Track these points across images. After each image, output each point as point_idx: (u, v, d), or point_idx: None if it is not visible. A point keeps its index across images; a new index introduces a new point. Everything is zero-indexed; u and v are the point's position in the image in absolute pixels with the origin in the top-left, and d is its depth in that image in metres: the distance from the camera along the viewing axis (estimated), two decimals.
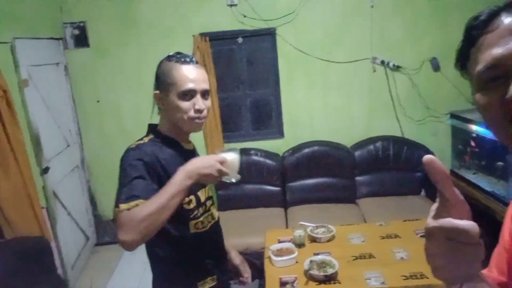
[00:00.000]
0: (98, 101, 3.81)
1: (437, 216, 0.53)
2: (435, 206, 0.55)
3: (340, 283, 1.93)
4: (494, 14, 0.59)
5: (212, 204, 1.46)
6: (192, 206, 1.32)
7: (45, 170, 3.03)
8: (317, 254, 2.15)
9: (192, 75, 1.28)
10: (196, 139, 1.39)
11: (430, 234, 0.53)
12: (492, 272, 0.76)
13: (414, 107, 3.75)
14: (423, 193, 3.57)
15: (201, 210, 1.36)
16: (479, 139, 3.21)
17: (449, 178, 0.52)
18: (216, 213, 1.48)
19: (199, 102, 1.29)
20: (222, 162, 1.21)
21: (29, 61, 2.97)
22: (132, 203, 1.10)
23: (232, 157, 1.28)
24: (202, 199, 1.38)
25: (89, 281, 3.28)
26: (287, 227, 3.17)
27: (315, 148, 3.69)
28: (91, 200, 3.92)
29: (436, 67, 3.63)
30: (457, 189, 0.53)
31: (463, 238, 0.50)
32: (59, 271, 2.99)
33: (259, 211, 3.52)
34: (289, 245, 2.25)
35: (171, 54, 1.34)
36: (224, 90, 3.85)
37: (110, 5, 3.63)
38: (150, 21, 3.66)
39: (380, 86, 3.74)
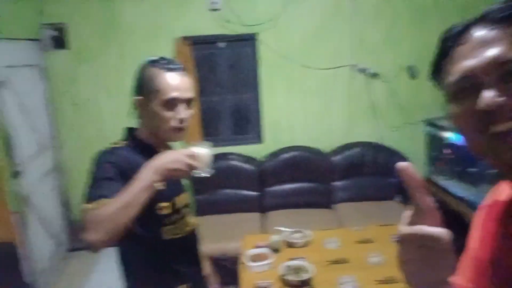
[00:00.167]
0: (76, 104, 3.74)
1: (410, 222, 0.55)
2: (408, 212, 0.56)
3: None
4: (467, 27, 0.61)
5: (189, 212, 1.43)
6: (166, 212, 1.29)
7: (16, 174, 2.95)
8: (293, 259, 2.16)
9: (176, 83, 1.24)
10: (175, 143, 1.37)
11: (402, 240, 0.54)
12: (460, 279, 0.76)
13: (392, 113, 3.82)
14: (398, 198, 3.64)
15: (176, 216, 1.33)
16: (452, 146, 3.29)
17: (422, 185, 0.54)
18: (193, 221, 1.45)
19: (182, 112, 1.25)
20: (192, 156, 1.18)
21: (4, 62, 2.90)
22: (98, 202, 1.08)
23: (202, 151, 1.25)
24: (178, 206, 1.35)
25: (60, 287, 3.20)
26: (264, 232, 3.17)
27: (294, 153, 3.72)
28: (66, 205, 3.83)
29: (413, 74, 3.71)
30: (429, 196, 0.54)
31: (435, 244, 0.51)
32: (29, 277, 2.90)
33: (236, 216, 3.51)
34: (265, 250, 2.25)
35: (154, 58, 1.29)
36: (204, 94, 3.84)
37: (90, 7, 3.58)
38: (131, 24, 3.63)
39: (358, 93, 3.81)
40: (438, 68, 0.66)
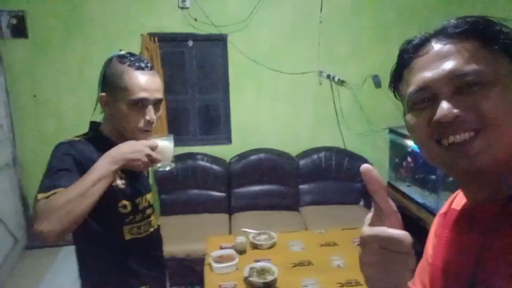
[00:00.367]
0: (34, 96, 3.58)
1: (371, 224, 0.55)
2: (369, 215, 0.56)
3: None
4: (426, 40, 0.63)
5: (153, 212, 1.40)
6: (126, 211, 1.26)
7: None
8: (258, 261, 2.16)
9: (145, 83, 1.18)
10: None
11: (364, 242, 0.54)
12: (416, 285, 0.78)
13: (356, 120, 3.92)
14: (362, 203, 3.73)
15: (138, 216, 1.30)
16: (414, 153, 3.42)
17: (384, 188, 0.54)
18: (156, 222, 1.42)
19: (150, 113, 1.21)
20: (153, 148, 1.14)
21: None
22: (50, 192, 1.03)
23: (164, 143, 1.21)
24: (140, 206, 1.31)
25: (17, 286, 3.05)
26: (230, 233, 3.16)
27: (262, 155, 3.73)
28: (22, 201, 3.65)
29: (377, 83, 3.83)
30: (391, 199, 0.55)
31: (396, 247, 0.51)
32: None
33: (203, 216, 3.48)
34: (231, 251, 2.24)
35: (123, 53, 1.23)
36: (172, 93, 3.78)
37: None
38: (96, 17, 3.52)
39: (325, 99, 3.88)
40: (398, 78, 0.68)
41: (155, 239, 1.41)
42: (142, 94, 1.18)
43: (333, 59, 3.80)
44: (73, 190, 1.02)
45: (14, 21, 3.43)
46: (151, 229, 1.37)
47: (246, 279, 1.99)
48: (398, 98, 0.70)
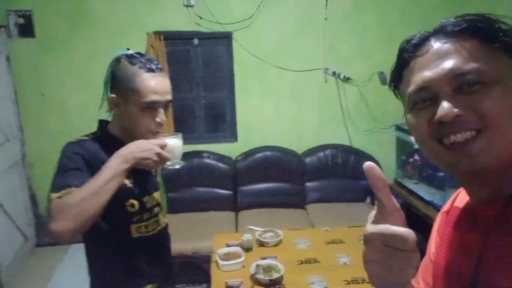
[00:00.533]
0: (42, 95, 3.61)
1: (375, 223, 0.55)
2: (373, 213, 0.56)
3: (285, 287, 1.95)
4: (425, 39, 0.63)
5: (161, 210, 1.40)
6: (134, 209, 1.27)
7: None
8: (264, 258, 2.17)
9: (157, 86, 1.18)
10: None
11: (368, 240, 0.54)
12: (419, 283, 0.78)
13: (362, 118, 3.90)
14: (368, 200, 3.72)
15: (146, 215, 1.31)
16: (420, 151, 3.40)
17: (387, 186, 0.54)
18: (164, 220, 1.42)
19: (161, 115, 1.21)
20: (162, 146, 1.15)
21: None
22: (64, 191, 1.05)
23: (173, 141, 1.22)
24: (148, 205, 1.32)
25: (26, 283, 3.09)
26: (237, 231, 3.17)
27: (267, 153, 3.73)
28: (31, 199, 3.70)
29: (383, 81, 3.81)
30: (394, 197, 0.55)
31: (400, 244, 0.51)
32: None
33: (209, 214, 3.49)
34: (237, 249, 2.25)
35: (131, 53, 1.22)
36: (177, 91, 3.79)
37: None
38: (102, 16, 3.53)
39: (330, 96, 3.86)
40: (398, 78, 0.68)
41: (162, 237, 1.42)
42: (154, 97, 1.18)
43: (338, 56, 3.78)
44: (87, 189, 1.03)
45: (21, 20, 3.46)
46: (159, 228, 1.38)
47: (252, 277, 2.00)
48: (399, 97, 0.70)
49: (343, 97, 3.87)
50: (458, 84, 0.58)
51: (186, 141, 1.27)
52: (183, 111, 3.89)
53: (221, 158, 3.71)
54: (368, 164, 0.54)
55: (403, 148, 3.76)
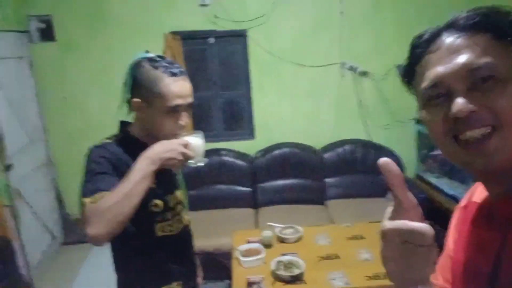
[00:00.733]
0: (64, 97, 3.70)
1: (392, 219, 0.55)
2: (389, 209, 0.56)
3: (306, 283, 1.96)
4: (436, 34, 0.62)
5: (183, 209, 1.42)
6: (158, 209, 1.29)
7: (8, 167, 2.91)
8: (285, 254, 2.18)
9: (181, 90, 1.20)
10: None
11: (385, 236, 0.54)
12: (438, 279, 0.77)
13: (381, 112, 3.85)
14: (389, 196, 3.68)
15: (169, 214, 1.33)
16: None
17: (403, 181, 0.54)
18: (186, 218, 1.44)
19: (184, 118, 1.24)
20: (185, 145, 1.17)
21: None
22: (96, 196, 1.07)
23: (196, 140, 1.24)
24: (171, 204, 1.34)
25: (54, 280, 3.18)
26: (257, 228, 3.19)
27: (285, 149, 3.73)
28: (58, 199, 3.81)
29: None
30: (415, 192, 0.55)
31: (418, 240, 0.51)
32: (23, 270, 2.89)
33: (229, 211, 3.52)
34: (257, 245, 2.27)
35: (152, 56, 1.23)
36: (195, 90, 3.79)
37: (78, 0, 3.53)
38: (119, 17, 3.60)
39: (348, 91, 3.83)
40: (410, 74, 0.66)
41: (186, 235, 1.43)
42: (177, 101, 1.19)
43: (355, 51, 3.74)
44: (118, 193, 1.06)
45: (42, 25, 3.55)
46: (182, 226, 1.39)
47: (273, 273, 2.01)
48: (412, 93, 0.69)
49: (361, 91, 3.82)
50: (471, 80, 0.57)
51: (205, 139, 1.29)
52: (200, 110, 3.93)
53: (239, 155, 3.73)
54: (383, 160, 0.54)
55: (424, 141, 3.70)
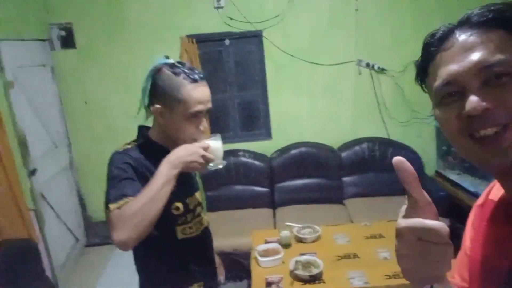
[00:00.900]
0: (85, 102, 3.80)
1: (406, 217, 0.55)
2: (404, 207, 0.56)
3: (324, 282, 1.96)
4: (449, 32, 0.62)
5: (202, 210, 1.44)
6: (179, 212, 1.30)
7: (32, 172, 3.01)
8: (303, 254, 2.18)
9: (202, 96, 1.22)
10: None
11: (400, 234, 0.54)
12: (455, 278, 0.77)
13: (399, 109, 3.81)
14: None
15: (189, 216, 1.35)
16: None
17: (417, 179, 0.54)
18: (206, 219, 1.46)
19: (204, 123, 1.26)
20: (205, 149, 1.20)
21: (14, 63, 2.95)
22: (121, 202, 1.09)
23: (215, 142, 1.26)
24: (191, 206, 1.36)
25: (78, 282, 3.27)
26: (275, 228, 3.20)
27: (302, 149, 3.73)
28: (80, 202, 3.91)
29: None
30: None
31: (433, 237, 0.51)
32: (48, 272, 2.98)
33: (247, 212, 3.54)
34: (275, 245, 2.28)
35: (173, 63, 1.24)
36: (212, 92, 3.84)
37: (96, 6, 3.62)
38: (137, 23, 3.67)
39: (365, 88, 3.80)
40: (424, 72, 0.66)
41: (206, 236, 1.45)
42: (199, 107, 1.21)
43: (372, 48, 3.71)
44: (143, 198, 1.08)
45: (63, 33, 3.66)
46: (202, 227, 1.41)
47: (292, 272, 2.02)
48: (426, 91, 0.69)
49: (378, 88, 3.79)
50: (485, 77, 0.57)
51: (222, 140, 1.31)
52: (217, 111, 3.96)
53: (256, 156, 3.74)
54: (397, 158, 0.54)
55: (443, 138, 3.62)
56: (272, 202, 3.67)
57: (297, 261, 2.07)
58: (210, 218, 1.54)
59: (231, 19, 3.63)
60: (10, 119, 2.82)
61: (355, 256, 2.18)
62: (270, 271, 2.10)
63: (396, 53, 3.70)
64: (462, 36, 0.60)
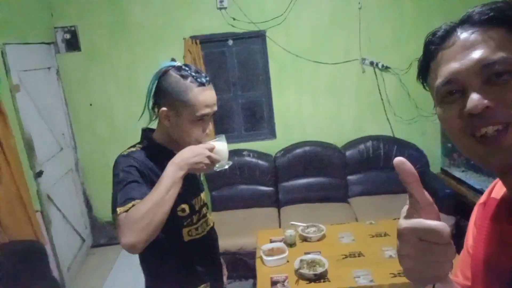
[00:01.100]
0: (90, 105, 3.83)
1: (408, 217, 0.55)
2: (405, 208, 0.56)
3: (329, 281, 1.96)
4: (451, 30, 0.62)
5: (207, 210, 1.44)
6: (185, 214, 1.30)
7: (39, 174, 3.04)
8: (308, 253, 2.19)
9: (208, 100, 1.22)
10: None
11: (402, 234, 0.54)
12: (457, 276, 0.77)
13: (404, 106, 3.79)
14: None
15: (195, 217, 1.35)
16: None
17: (418, 180, 0.54)
18: (211, 219, 1.46)
19: (209, 126, 1.26)
20: (210, 150, 1.20)
21: (20, 66, 2.98)
22: (129, 205, 1.09)
23: (220, 143, 1.26)
24: (197, 207, 1.36)
25: (85, 283, 3.30)
26: (280, 227, 3.20)
27: (307, 148, 3.73)
28: (86, 203, 3.94)
29: None
30: (425, 191, 0.55)
31: (434, 238, 0.51)
32: (55, 273, 3.01)
33: (252, 211, 3.55)
34: (280, 244, 2.29)
35: (180, 66, 1.24)
36: (216, 92, 3.85)
37: (100, 9, 3.64)
38: (140, 25, 3.69)
39: (369, 87, 3.79)
40: (425, 70, 0.66)
41: (212, 237, 1.45)
42: (206, 110, 1.22)
43: (375, 46, 3.70)
44: (150, 201, 1.08)
45: (67, 36, 3.69)
46: (208, 228, 1.41)
47: (297, 271, 2.03)
48: (427, 90, 0.69)
49: (382, 86, 3.78)
50: (486, 75, 0.57)
51: (226, 140, 1.31)
52: (221, 112, 3.97)
53: (261, 155, 3.75)
54: (398, 159, 0.54)
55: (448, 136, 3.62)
56: (277, 201, 3.68)
57: (302, 260, 2.08)
58: (215, 218, 1.54)
59: (234, 19, 3.63)
60: (16, 122, 2.85)
61: (360, 254, 2.19)
62: (275, 270, 2.11)
63: (400, 51, 3.69)
64: (463, 34, 0.60)
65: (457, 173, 3.47)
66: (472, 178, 3.28)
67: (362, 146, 3.73)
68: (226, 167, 1.29)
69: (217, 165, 1.25)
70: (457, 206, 3.11)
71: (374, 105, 3.82)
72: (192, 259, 1.35)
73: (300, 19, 3.67)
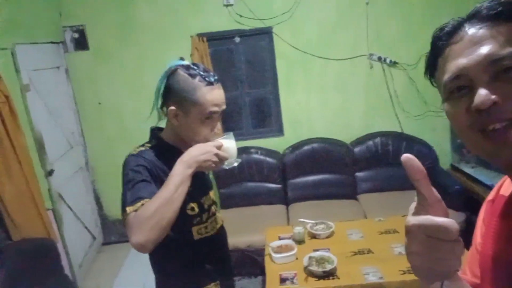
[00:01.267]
0: (99, 103, 3.86)
1: (416, 214, 0.54)
2: (413, 205, 0.56)
3: (338, 278, 1.96)
4: (459, 26, 0.61)
5: (216, 208, 1.44)
6: (194, 212, 1.31)
7: (49, 173, 3.08)
8: (317, 250, 2.19)
9: (217, 98, 1.22)
10: None
11: (410, 231, 0.54)
12: (466, 274, 0.76)
13: (413, 102, 3.76)
14: None
15: (205, 216, 1.35)
16: None
17: (426, 176, 0.54)
18: (221, 217, 1.46)
19: (218, 125, 1.26)
20: (219, 147, 1.20)
21: (30, 66, 3.01)
22: (138, 204, 1.10)
23: (228, 141, 1.26)
24: (206, 205, 1.36)
25: (96, 280, 3.34)
26: (288, 224, 3.21)
27: (315, 145, 3.72)
28: (96, 201, 3.98)
29: None
30: (434, 188, 0.55)
31: (442, 235, 0.51)
32: (67, 271, 3.04)
33: (260, 208, 3.56)
34: (289, 242, 2.29)
35: (189, 65, 1.24)
36: (223, 90, 3.86)
37: (108, 8, 3.66)
38: (148, 23, 3.70)
39: (377, 82, 3.76)
40: (433, 66, 0.66)
41: (221, 235, 1.46)
42: (214, 109, 1.22)
43: (383, 41, 3.67)
44: (159, 199, 1.08)
45: (76, 35, 3.72)
46: (218, 226, 1.41)
47: (305, 268, 2.03)
48: (435, 85, 0.68)
49: (391, 82, 3.75)
50: (494, 71, 0.56)
51: (234, 138, 1.31)
52: (229, 109, 3.92)
53: (269, 152, 3.75)
54: (405, 156, 0.54)
55: None
56: (285, 199, 3.68)
57: (311, 257, 2.08)
58: (223, 215, 1.54)
59: (241, 16, 3.63)
60: (27, 121, 2.89)
61: (369, 251, 2.18)
62: (284, 267, 2.11)
63: (408, 46, 3.66)
64: (471, 30, 0.59)
65: (467, 169, 3.44)
66: (482, 174, 3.24)
67: (370, 143, 3.71)
68: (235, 164, 1.29)
69: (225, 163, 1.25)
70: (467, 202, 3.08)
71: (382, 101, 3.80)
72: (202, 258, 1.35)
73: (307, 15, 3.65)
